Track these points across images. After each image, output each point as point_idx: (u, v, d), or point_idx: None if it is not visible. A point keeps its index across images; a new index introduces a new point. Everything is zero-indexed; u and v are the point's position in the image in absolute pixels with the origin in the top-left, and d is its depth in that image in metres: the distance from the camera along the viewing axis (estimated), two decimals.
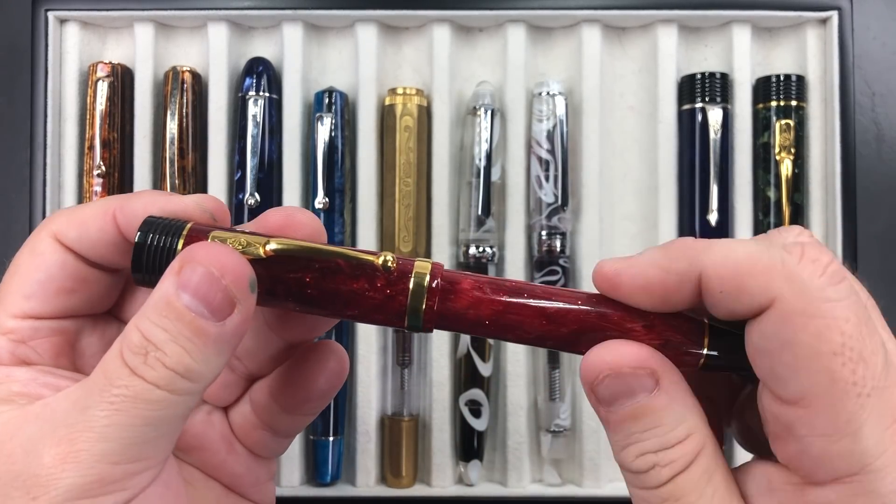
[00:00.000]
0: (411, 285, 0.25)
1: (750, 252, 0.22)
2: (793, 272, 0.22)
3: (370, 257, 0.25)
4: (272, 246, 0.25)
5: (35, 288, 0.26)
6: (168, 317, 0.23)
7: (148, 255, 0.25)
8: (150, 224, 0.25)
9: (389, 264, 0.25)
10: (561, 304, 0.25)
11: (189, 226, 0.25)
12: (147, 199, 0.26)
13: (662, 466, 0.23)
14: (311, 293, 0.25)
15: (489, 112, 0.51)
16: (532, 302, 0.25)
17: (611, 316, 0.25)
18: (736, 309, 0.23)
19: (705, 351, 0.24)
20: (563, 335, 0.25)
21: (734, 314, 0.23)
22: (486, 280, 0.25)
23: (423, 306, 0.25)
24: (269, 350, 0.29)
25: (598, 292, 0.25)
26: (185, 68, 0.51)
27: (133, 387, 0.22)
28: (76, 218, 0.27)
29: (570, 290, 0.26)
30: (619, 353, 0.24)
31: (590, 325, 0.25)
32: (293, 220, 0.27)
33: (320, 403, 0.31)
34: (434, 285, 0.25)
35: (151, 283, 0.24)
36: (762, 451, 0.25)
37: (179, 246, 0.25)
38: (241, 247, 0.24)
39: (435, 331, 0.25)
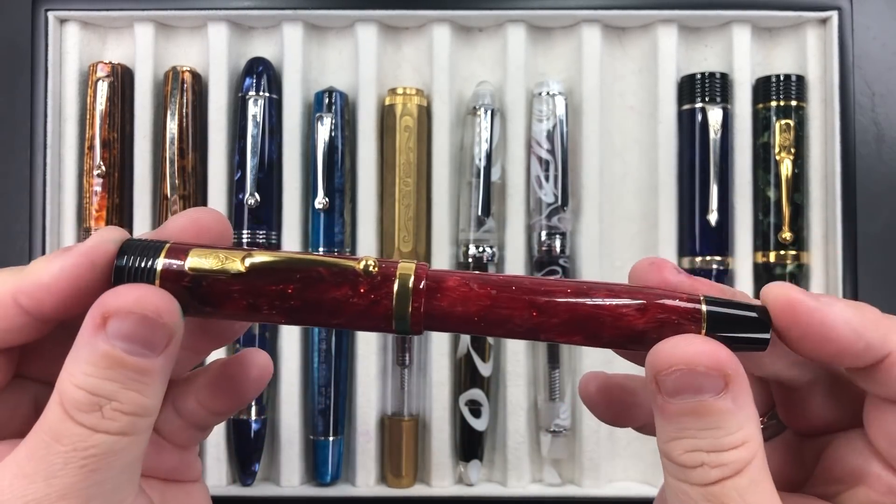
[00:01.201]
0: (395, 288, 0.24)
1: None
2: None
3: (351, 263, 0.25)
4: (250, 260, 0.24)
5: None
6: (111, 367, 0.23)
7: (128, 279, 0.24)
8: (129, 247, 0.25)
9: (371, 269, 0.24)
10: (550, 295, 0.24)
11: (167, 246, 0.25)
12: (49, 269, 0.24)
13: (712, 467, 0.23)
14: (294, 304, 0.24)
15: (489, 112, 0.51)
16: (521, 294, 0.24)
17: (601, 303, 0.24)
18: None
19: (703, 332, 0.24)
20: (554, 325, 0.24)
21: (884, 391, 0.24)
22: (472, 276, 0.25)
23: (410, 308, 0.24)
24: (181, 364, 0.30)
25: (587, 280, 0.25)
26: (185, 68, 0.51)
27: (101, 444, 0.22)
28: None
29: (559, 280, 0.25)
30: (696, 350, 0.23)
31: (582, 312, 0.24)
32: (198, 223, 0.26)
33: (248, 403, 0.31)
34: (420, 286, 0.24)
35: None
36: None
37: (160, 267, 0.24)
38: (219, 262, 0.24)
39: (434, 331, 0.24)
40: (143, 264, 0.24)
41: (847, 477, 0.27)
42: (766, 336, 0.24)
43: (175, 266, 0.24)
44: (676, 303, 0.24)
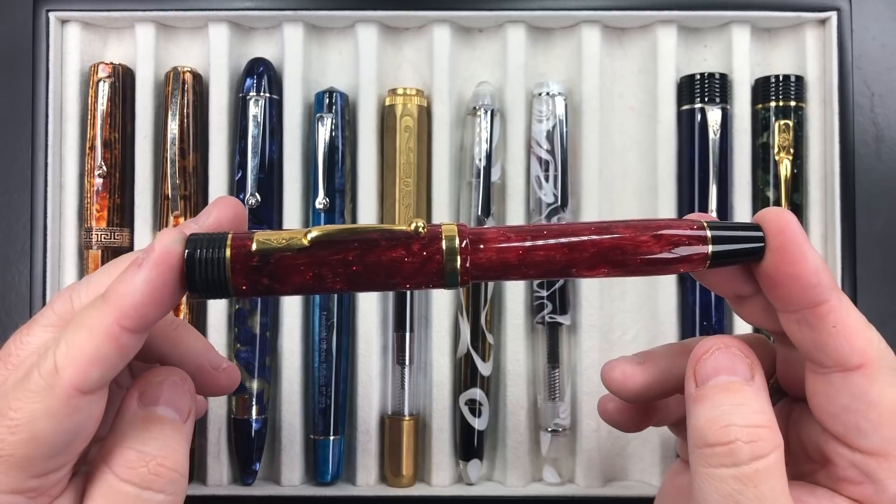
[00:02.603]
0: (444, 245, 0.27)
1: (866, 322, 0.28)
2: (884, 351, 0.28)
3: (402, 226, 0.27)
4: (312, 234, 0.27)
5: (62, 448, 0.26)
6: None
7: (200, 271, 0.27)
8: (195, 241, 0.27)
9: (421, 229, 0.27)
10: (578, 234, 0.28)
11: (231, 235, 0.27)
12: (136, 286, 0.25)
13: (744, 442, 0.26)
14: (356, 269, 0.27)
15: (489, 112, 0.52)
16: (553, 236, 0.28)
17: (623, 235, 0.28)
18: (829, 348, 0.27)
19: (710, 250, 0.28)
20: (585, 259, 0.28)
21: (818, 345, 0.28)
22: (506, 228, 0.29)
23: (458, 262, 0.27)
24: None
25: (606, 220, 0.29)
26: (185, 69, 0.52)
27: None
28: (85, 355, 0.25)
29: (581, 223, 0.29)
30: (729, 340, 0.29)
31: (606, 245, 0.28)
32: (230, 217, 0.30)
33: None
34: (464, 244, 0.27)
35: (207, 297, 0.27)
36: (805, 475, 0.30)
37: (228, 254, 0.27)
38: (284, 241, 0.27)
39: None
40: (212, 255, 0.27)
41: (816, 455, 0.29)
42: (762, 245, 0.28)
43: (243, 250, 0.27)
44: (684, 231, 0.28)
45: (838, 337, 0.27)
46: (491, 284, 0.51)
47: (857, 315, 0.28)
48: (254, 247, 0.27)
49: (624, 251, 0.28)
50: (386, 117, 0.52)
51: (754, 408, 0.27)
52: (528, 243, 0.28)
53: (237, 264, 0.27)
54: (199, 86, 0.52)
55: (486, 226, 0.29)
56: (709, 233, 0.28)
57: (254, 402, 0.50)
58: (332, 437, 0.51)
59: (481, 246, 0.28)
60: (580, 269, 0.28)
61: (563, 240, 0.28)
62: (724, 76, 0.52)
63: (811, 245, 0.28)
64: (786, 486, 0.26)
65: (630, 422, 0.35)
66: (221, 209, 0.30)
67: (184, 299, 0.50)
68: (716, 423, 0.26)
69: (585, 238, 0.28)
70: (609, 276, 0.28)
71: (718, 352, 0.28)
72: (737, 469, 0.26)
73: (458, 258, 0.27)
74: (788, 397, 0.33)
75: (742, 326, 0.51)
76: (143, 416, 0.27)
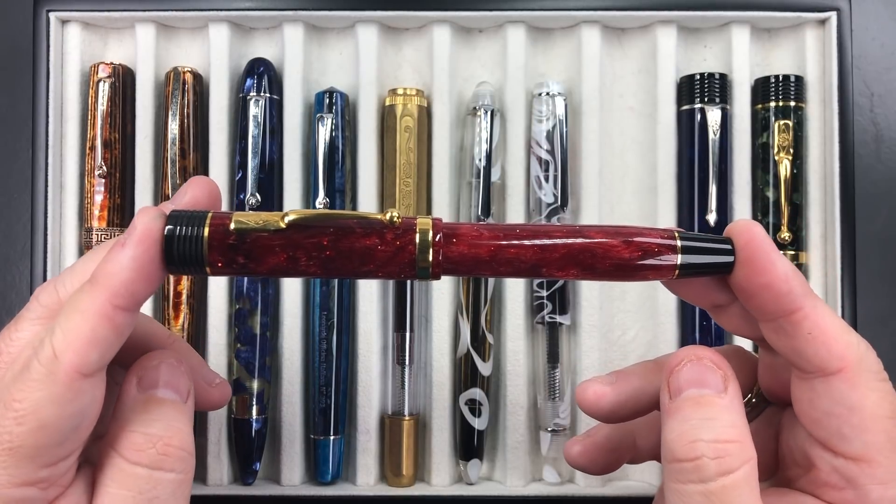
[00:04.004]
0: (417, 237, 0.28)
1: (844, 325, 0.28)
2: (865, 355, 0.28)
3: (377, 215, 0.28)
4: (289, 218, 0.27)
5: (69, 433, 0.26)
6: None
7: (178, 247, 0.27)
8: (175, 218, 0.28)
9: (395, 219, 0.27)
10: (549, 236, 0.28)
11: (210, 214, 0.28)
12: (123, 264, 0.26)
13: (710, 458, 0.26)
14: (329, 254, 0.28)
15: (489, 112, 0.52)
16: (524, 236, 0.28)
17: (594, 239, 0.28)
18: (808, 354, 0.27)
19: (679, 260, 0.28)
20: (554, 260, 0.28)
21: (796, 352, 0.27)
22: (480, 224, 0.29)
23: (430, 255, 0.28)
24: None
25: (581, 224, 0.29)
26: (186, 69, 0.52)
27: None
28: (82, 337, 0.25)
29: (555, 225, 0.29)
30: (702, 351, 0.28)
31: (576, 247, 0.28)
32: (204, 196, 0.31)
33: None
34: (437, 238, 0.28)
35: (184, 272, 0.28)
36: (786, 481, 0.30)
37: (206, 232, 0.27)
38: (261, 222, 0.27)
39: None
40: (191, 231, 0.27)
41: (802, 460, 0.29)
42: (731, 259, 0.28)
43: (221, 228, 0.27)
44: (654, 239, 0.28)
45: (815, 343, 0.27)
46: (491, 285, 0.51)
47: (835, 319, 0.28)
48: (232, 226, 0.27)
49: (594, 254, 0.28)
50: (386, 117, 0.53)
51: (724, 422, 0.26)
52: (500, 241, 0.28)
53: (214, 241, 0.27)
54: (200, 86, 0.52)
55: (460, 221, 0.29)
56: (679, 243, 0.28)
57: (254, 402, 0.50)
58: (332, 437, 0.51)
59: (454, 240, 0.28)
60: (550, 269, 0.28)
61: (534, 241, 0.28)
62: (723, 76, 0.52)
63: (780, 254, 0.28)
64: (757, 499, 0.26)
65: (595, 465, 0.35)
66: (196, 188, 0.31)
67: (184, 298, 0.50)
68: (683, 437, 0.26)
69: (557, 241, 0.28)
70: (579, 277, 0.29)
71: (690, 363, 0.28)
72: (703, 485, 0.25)
73: (431, 251, 0.28)
74: (775, 405, 0.32)
75: None
76: (144, 399, 0.28)
